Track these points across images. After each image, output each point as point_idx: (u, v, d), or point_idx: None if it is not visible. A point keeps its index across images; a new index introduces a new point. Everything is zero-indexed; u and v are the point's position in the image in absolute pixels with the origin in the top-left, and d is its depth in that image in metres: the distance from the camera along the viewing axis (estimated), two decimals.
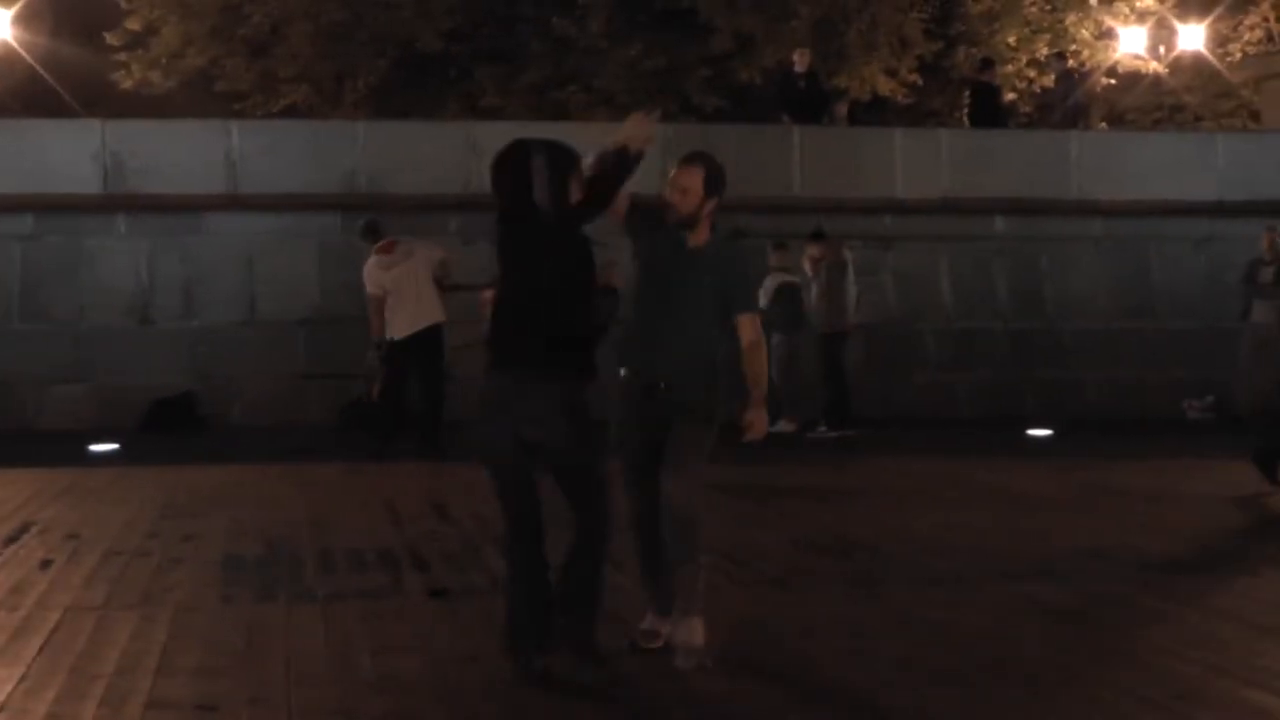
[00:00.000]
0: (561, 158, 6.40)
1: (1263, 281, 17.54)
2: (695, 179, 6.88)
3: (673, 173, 6.89)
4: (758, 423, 6.84)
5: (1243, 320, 17.76)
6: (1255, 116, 29.90)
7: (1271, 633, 7.46)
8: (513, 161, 6.40)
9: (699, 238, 6.95)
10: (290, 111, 28.39)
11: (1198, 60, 31.43)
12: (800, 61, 21.47)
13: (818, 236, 17.71)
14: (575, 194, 6.39)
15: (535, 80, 28.51)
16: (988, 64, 23.64)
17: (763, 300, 15.71)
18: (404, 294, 14.65)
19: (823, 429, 17.11)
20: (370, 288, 14.76)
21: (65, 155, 18.24)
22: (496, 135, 18.91)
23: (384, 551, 9.58)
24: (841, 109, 22.82)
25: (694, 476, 6.75)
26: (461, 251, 16.08)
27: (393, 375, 14.82)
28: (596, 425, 6.44)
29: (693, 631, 6.69)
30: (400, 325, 14.67)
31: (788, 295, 17.28)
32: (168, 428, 17.32)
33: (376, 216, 15.60)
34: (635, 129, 6.55)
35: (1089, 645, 7.14)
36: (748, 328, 6.91)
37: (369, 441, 14.83)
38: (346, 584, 8.56)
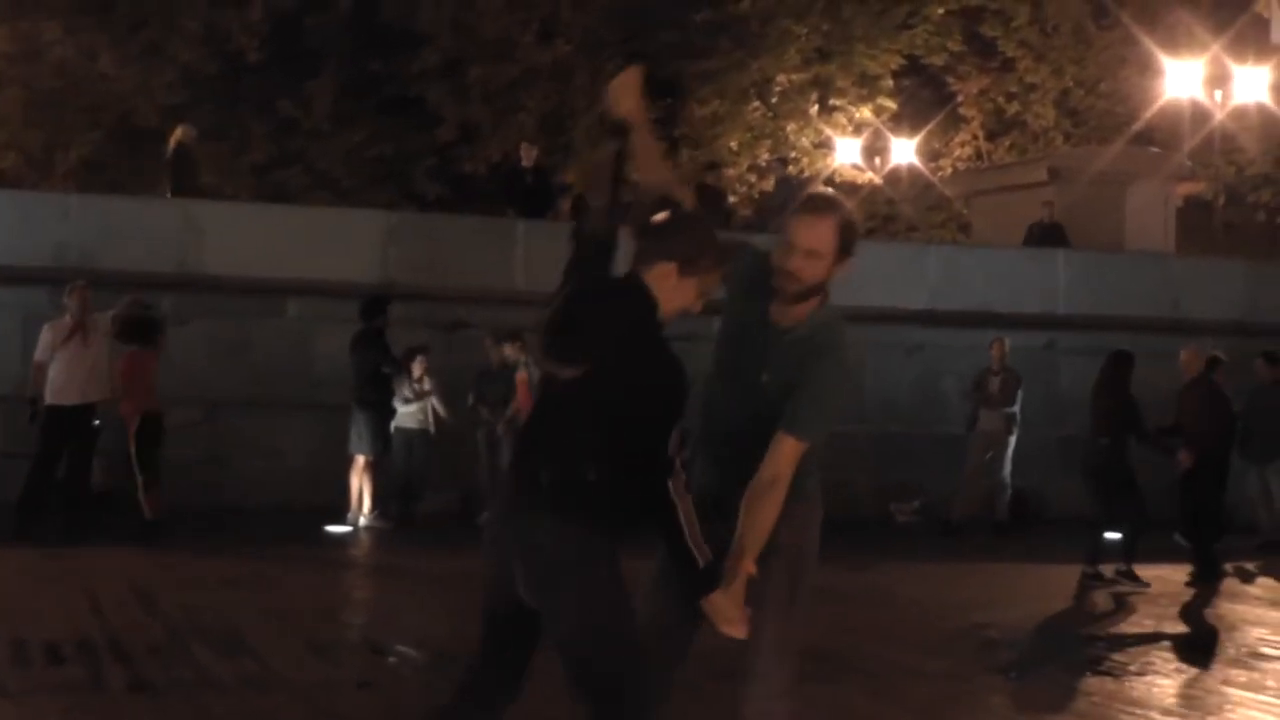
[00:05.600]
0: None
1: (990, 391, 18.05)
2: (827, 234, 4.86)
3: (793, 228, 4.87)
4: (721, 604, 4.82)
5: (970, 429, 18.22)
6: (966, 229, 30.86)
7: None
8: None
9: (801, 311, 4.97)
10: None
11: (912, 172, 32.47)
12: (527, 156, 21.48)
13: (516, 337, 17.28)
14: None
15: (257, 160, 28.11)
16: (713, 166, 24.01)
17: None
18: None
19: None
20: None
21: None
22: (214, 214, 18.80)
23: (83, 643, 9.12)
24: (566, 204, 22.86)
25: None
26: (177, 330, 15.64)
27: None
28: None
29: None
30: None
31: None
32: None
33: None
34: None
35: None
36: (779, 452, 4.88)
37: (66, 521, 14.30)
38: (43, 678, 8.12)
